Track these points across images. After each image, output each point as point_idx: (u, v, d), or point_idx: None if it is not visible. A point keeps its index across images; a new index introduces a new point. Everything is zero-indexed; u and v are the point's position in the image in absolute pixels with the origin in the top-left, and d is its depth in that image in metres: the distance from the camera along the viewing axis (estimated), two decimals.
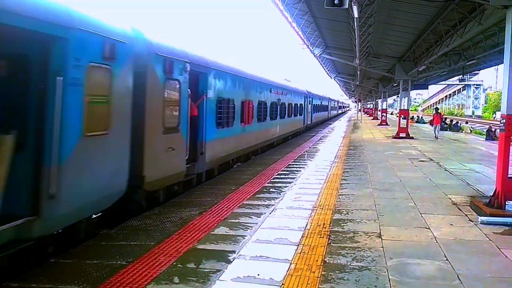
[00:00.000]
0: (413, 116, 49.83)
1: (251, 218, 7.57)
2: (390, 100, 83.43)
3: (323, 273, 5.11)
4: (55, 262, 5.52)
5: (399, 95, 30.60)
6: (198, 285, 4.76)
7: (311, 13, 21.22)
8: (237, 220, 7.42)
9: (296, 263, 5.41)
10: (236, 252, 5.83)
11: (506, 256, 5.82)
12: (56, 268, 5.35)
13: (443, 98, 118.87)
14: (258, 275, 5.05)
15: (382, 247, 6.07)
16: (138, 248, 6.00)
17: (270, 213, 7.88)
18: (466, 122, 44.99)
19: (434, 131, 27.12)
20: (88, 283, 4.79)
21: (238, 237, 6.48)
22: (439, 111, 31.76)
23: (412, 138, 25.75)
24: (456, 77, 52.25)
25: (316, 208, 8.24)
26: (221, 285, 4.79)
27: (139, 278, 4.92)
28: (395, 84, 37.74)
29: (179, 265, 5.34)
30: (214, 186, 10.86)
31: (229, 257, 5.63)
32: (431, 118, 34.67)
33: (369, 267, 5.32)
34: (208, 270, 5.21)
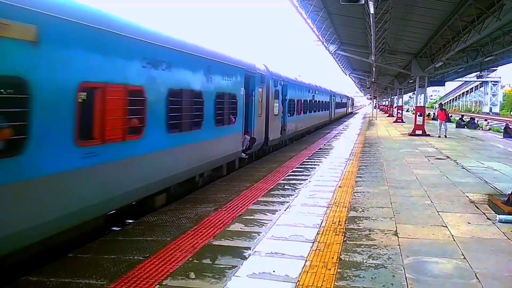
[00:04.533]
0: (429, 113, 49.15)
1: (266, 215, 7.58)
2: (405, 97, 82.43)
3: (338, 270, 5.10)
4: (73, 257, 5.61)
5: (415, 92, 30.21)
6: (214, 281, 4.79)
7: (326, 9, 21.10)
8: (252, 217, 7.44)
9: (312, 260, 5.40)
10: (252, 248, 5.84)
11: None
12: (74, 262, 5.45)
13: (460, 95, 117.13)
14: (274, 271, 5.05)
15: (399, 245, 6.02)
16: (154, 243, 6.05)
17: (285, 210, 7.88)
18: (485, 120, 44.18)
19: (440, 129, 25.31)
20: (106, 278, 4.85)
21: (253, 234, 6.49)
22: (444, 107, 30.85)
23: (429, 135, 25.41)
24: (474, 74, 51.47)
25: (331, 206, 8.21)
26: (237, 281, 4.82)
27: (156, 273, 4.97)
28: (411, 81, 37.31)
29: (195, 261, 5.38)
30: (229, 182, 10.89)
31: (244, 254, 5.65)
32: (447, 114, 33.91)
33: (385, 265, 5.28)
34: (224, 266, 5.24)
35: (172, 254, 5.61)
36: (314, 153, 16.83)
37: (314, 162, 14.24)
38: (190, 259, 5.43)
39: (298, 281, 4.80)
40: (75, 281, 4.81)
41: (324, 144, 20.42)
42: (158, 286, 4.65)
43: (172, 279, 4.82)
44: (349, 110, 72.70)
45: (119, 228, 7.31)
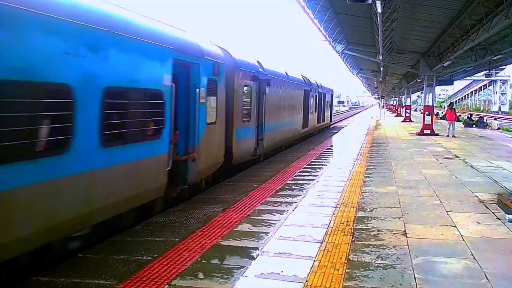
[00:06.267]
0: (437, 113, 48.80)
1: (274, 215, 7.59)
2: (414, 97, 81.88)
3: (347, 270, 5.09)
4: (83, 257, 5.66)
5: (423, 91, 30.02)
6: (222, 281, 4.81)
7: (333, 9, 21.04)
8: (260, 217, 7.45)
9: (320, 261, 5.40)
10: (260, 248, 5.85)
11: None
12: (84, 263, 5.49)
13: (468, 94, 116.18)
14: (282, 271, 5.06)
15: (407, 245, 6.00)
16: (163, 244, 6.08)
17: (292, 210, 7.87)
18: (495, 119, 43.78)
19: (449, 128, 25.10)
20: (115, 278, 4.89)
21: (261, 234, 6.50)
22: (453, 107, 30.55)
23: (437, 135, 25.26)
24: (482, 73, 51.03)
25: (339, 206, 8.19)
26: (245, 282, 4.82)
27: (165, 273, 5.00)
28: (419, 80, 37.10)
29: (203, 261, 5.40)
30: (237, 183, 10.91)
31: (252, 254, 5.66)
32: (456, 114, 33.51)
33: (394, 265, 5.26)
34: (232, 266, 5.25)
35: (181, 254, 5.63)
36: (321, 153, 16.80)
37: (322, 162, 14.21)
38: (198, 259, 5.45)
39: (307, 281, 4.80)
40: (84, 281, 4.84)
41: (332, 144, 20.38)
42: (167, 286, 4.67)
43: (181, 279, 4.84)
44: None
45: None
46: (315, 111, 25.76)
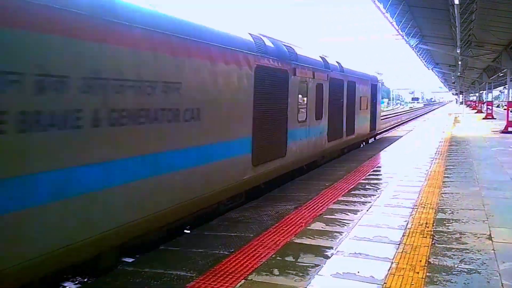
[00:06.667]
0: None
1: (347, 214, 7.48)
2: (495, 92, 76.62)
3: (427, 274, 4.89)
4: (165, 250, 5.96)
5: (507, 86, 27.96)
6: (297, 279, 4.83)
7: (406, 2, 20.27)
8: (333, 216, 7.38)
9: (398, 263, 5.24)
10: (334, 248, 5.80)
11: None
12: (166, 254, 5.78)
13: None
14: (358, 272, 4.98)
15: (493, 249, 5.64)
16: (238, 239, 6.23)
17: (367, 210, 7.71)
18: None
19: None
20: (195, 270, 5.09)
21: (335, 233, 6.44)
22: None
23: None
24: None
25: (417, 207, 7.88)
26: (321, 280, 4.81)
27: (241, 268, 5.12)
28: (502, 74, 34.63)
29: (278, 258, 5.46)
30: (308, 181, 10.88)
31: (326, 253, 5.62)
32: None
33: (479, 270, 4.98)
34: (307, 264, 5.25)
35: (256, 250, 5.74)
36: (395, 151, 16.26)
37: (396, 161, 13.75)
38: (273, 256, 5.51)
39: (385, 283, 4.68)
40: (167, 272, 5.10)
41: (406, 143, 19.64)
42: (243, 280, 4.78)
43: (257, 275, 4.94)
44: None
45: None
46: (321, 117, 12.72)
